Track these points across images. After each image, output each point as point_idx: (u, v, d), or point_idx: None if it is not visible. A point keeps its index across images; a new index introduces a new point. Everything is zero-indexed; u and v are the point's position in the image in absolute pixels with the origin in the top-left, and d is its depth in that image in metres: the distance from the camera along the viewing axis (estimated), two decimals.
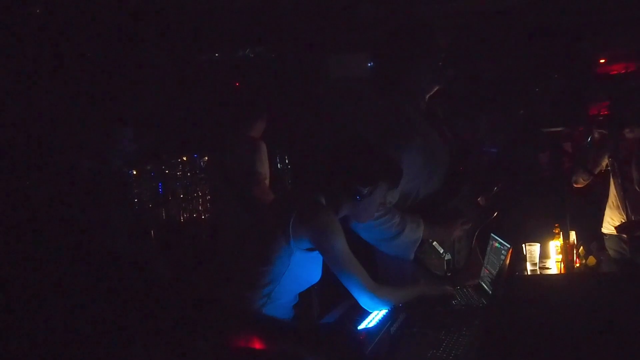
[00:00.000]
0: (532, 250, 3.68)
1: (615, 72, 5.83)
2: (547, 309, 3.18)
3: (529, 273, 3.67)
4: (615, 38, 5.57)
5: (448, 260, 2.58)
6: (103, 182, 2.67)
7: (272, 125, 3.73)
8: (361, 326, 2.11)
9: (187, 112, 4.38)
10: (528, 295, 3.30)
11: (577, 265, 3.72)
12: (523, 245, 3.67)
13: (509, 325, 2.24)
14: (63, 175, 2.39)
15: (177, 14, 4.09)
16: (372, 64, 4.25)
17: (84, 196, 2.44)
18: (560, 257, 3.78)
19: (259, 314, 2.19)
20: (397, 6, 4.12)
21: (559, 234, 3.86)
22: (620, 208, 3.75)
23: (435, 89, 2.65)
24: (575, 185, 4.06)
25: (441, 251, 2.60)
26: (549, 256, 3.86)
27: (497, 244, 2.50)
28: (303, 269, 2.24)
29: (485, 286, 2.51)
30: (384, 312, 2.23)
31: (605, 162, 3.91)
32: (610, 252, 3.86)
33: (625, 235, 3.73)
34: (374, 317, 2.19)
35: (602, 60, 5.99)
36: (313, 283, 2.32)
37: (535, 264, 3.69)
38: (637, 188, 3.66)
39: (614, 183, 3.83)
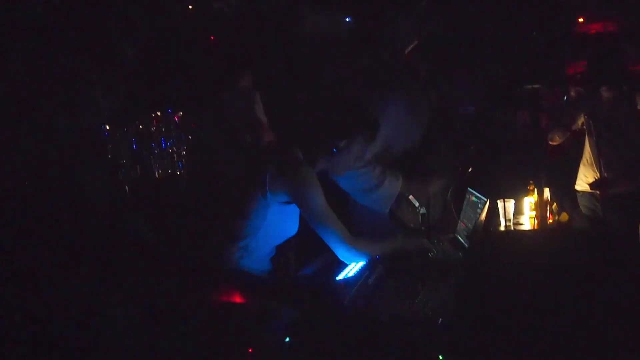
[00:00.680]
0: (507, 206, 3.72)
1: (593, 31, 5.83)
2: (520, 263, 3.24)
3: (503, 229, 3.72)
4: None
5: (423, 214, 2.60)
6: (79, 140, 2.61)
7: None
8: (339, 277, 2.13)
9: (164, 67, 4.28)
10: (502, 250, 3.36)
11: (550, 221, 3.77)
12: (497, 201, 3.71)
13: (484, 279, 2.28)
14: (41, 132, 2.33)
15: None
16: (349, 19, 4.19)
17: (61, 154, 2.39)
18: (534, 213, 3.83)
19: (237, 269, 2.20)
20: None
21: (533, 190, 3.91)
22: (594, 166, 3.80)
23: (415, 44, 2.63)
24: (550, 143, 4.10)
25: (417, 205, 2.61)
26: (522, 212, 3.90)
27: (473, 198, 2.52)
28: (280, 222, 2.24)
29: (461, 239, 2.53)
30: (361, 264, 2.25)
31: (581, 120, 3.94)
32: (583, 209, 3.92)
33: (598, 192, 3.79)
34: (351, 269, 2.20)
35: (580, 20, 5.99)
36: (290, 236, 2.33)
37: (509, 220, 3.73)
38: (611, 146, 3.70)
39: (589, 141, 3.86)
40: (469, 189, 2.61)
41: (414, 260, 2.31)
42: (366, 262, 2.25)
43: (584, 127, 3.92)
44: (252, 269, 2.23)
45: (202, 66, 3.98)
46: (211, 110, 3.75)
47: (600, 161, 3.75)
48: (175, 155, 4.56)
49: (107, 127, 4.21)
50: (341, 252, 2.23)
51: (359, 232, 2.47)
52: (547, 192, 3.75)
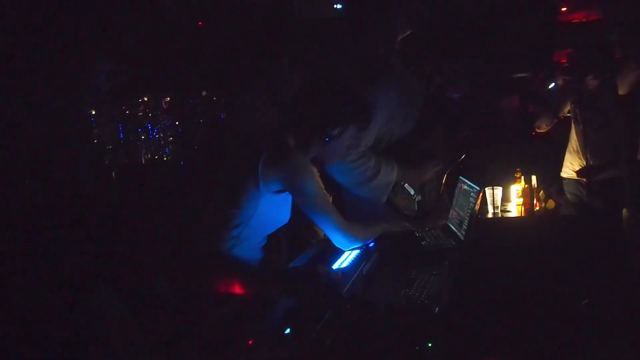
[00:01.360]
0: (495, 193, 3.75)
1: (577, 20, 5.88)
2: (508, 250, 3.28)
3: (491, 216, 3.75)
4: None
5: (419, 202, 2.61)
6: (71, 122, 2.58)
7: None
8: (334, 267, 2.14)
9: (159, 50, 4.22)
10: (490, 236, 3.39)
11: (537, 208, 3.82)
12: (486, 189, 3.74)
13: (476, 266, 2.30)
14: (35, 114, 2.29)
15: None
16: (341, 4, 4.17)
17: (52, 136, 2.35)
18: (521, 200, 3.88)
19: (231, 257, 2.19)
20: None
21: (520, 177, 3.95)
22: (581, 153, 3.84)
23: (409, 32, 2.62)
24: (537, 130, 4.14)
25: (412, 193, 2.62)
26: (510, 199, 3.95)
27: (466, 187, 2.54)
28: (272, 211, 2.23)
29: (453, 227, 2.55)
30: (355, 253, 2.26)
31: (567, 108, 3.98)
32: (569, 196, 3.97)
33: (584, 180, 3.83)
34: (346, 258, 2.21)
35: (563, 9, 6.03)
36: (282, 224, 2.33)
37: (497, 207, 3.77)
38: (597, 133, 3.74)
39: (575, 129, 3.90)
40: (460, 177, 2.62)
41: (408, 248, 2.33)
42: (360, 251, 2.26)
43: (570, 114, 3.96)
44: (244, 258, 2.23)
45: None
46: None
47: (586, 149, 3.79)
48: (162, 142, 4.54)
49: (93, 112, 4.16)
50: (337, 239, 2.24)
51: (354, 219, 2.49)
52: (534, 180, 3.79)
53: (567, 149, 3.99)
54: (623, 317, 3.19)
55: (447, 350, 1.70)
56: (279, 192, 2.19)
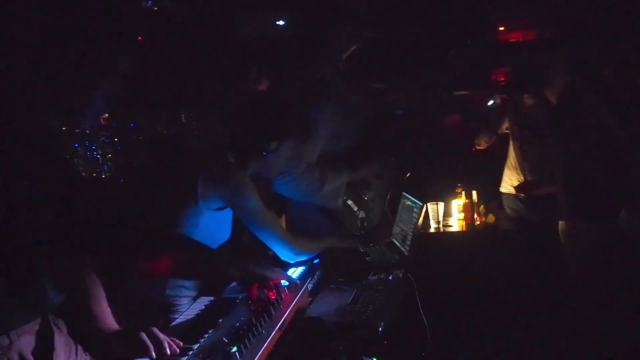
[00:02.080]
0: (437, 208, 3.82)
1: (514, 39, 6.07)
2: (451, 264, 3.34)
3: (433, 231, 3.81)
4: (513, 7, 5.79)
5: (362, 219, 2.62)
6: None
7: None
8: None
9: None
10: (433, 251, 3.45)
11: (478, 222, 3.91)
12: (428, 204, 3.79)
13: (420, 280, 2.31)
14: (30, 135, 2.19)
15: None
16: (283, 22, 4.18)
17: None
18: (462, 215, 3.96)
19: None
20: None
21: (461, 193, 4.03)
22: (519, 169, 3.93)
23: (353, 49, 2.65)
24: (477, 147, 4.23)
25: (355, 209, 2.63)
26: (451, 214, 4.02)
27: (409, 202, 2.56)
28: (213, 228, 2.20)
29: (397, 243, 2.57)
30: (300, 269, 2.24)
31: (505, 125, 4.08)
32: (508, 211, 4.06)
33: (522, 195, 3.93)
34: (292, 275, 2.19)
35: (501, 28, 6.21)
36: (223, 241, 2.29)
37: (438, 222, 3.83)
38: (534, 150, 3.84)
39: (513, 145, 4.00)
40: (403, 193, 2.65)
41: (353, 264, 2.33)
42: (305, 267, 2.24)
43: (509, 131, 4.07)
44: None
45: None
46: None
47: (524, 165, 3.90)
48: (100, 159, 4.40)
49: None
50: (282, 252, 2.22)
51: (298, 232, 2.48)
52: (474, 195, 3.87)
53: (506, 165, 4.09)
54: (562, 323, 3.30)
55: None
56: (219, 209, 2.15)
